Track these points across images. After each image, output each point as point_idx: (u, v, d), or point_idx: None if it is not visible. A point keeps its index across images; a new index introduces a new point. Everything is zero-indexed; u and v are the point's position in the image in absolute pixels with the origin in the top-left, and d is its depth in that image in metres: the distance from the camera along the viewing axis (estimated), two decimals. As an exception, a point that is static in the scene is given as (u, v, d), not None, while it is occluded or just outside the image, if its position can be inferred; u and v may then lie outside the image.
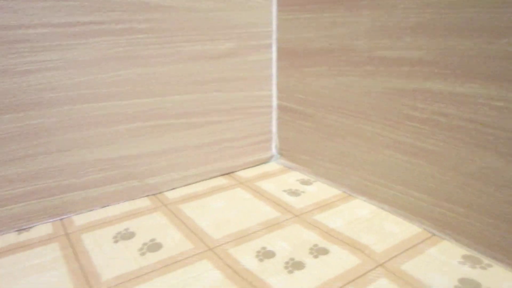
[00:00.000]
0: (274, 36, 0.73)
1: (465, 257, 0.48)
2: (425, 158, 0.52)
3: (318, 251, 0.49)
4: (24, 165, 0.53)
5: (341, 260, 0.47)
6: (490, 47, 0.43)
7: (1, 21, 0.48)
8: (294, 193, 0.66)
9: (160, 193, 0.66)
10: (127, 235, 0.53)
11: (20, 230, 0.55)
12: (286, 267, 0.46)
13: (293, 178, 0.73)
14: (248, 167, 0.77)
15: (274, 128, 0.79)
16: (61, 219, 0.58)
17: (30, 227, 0.56)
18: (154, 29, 0.59)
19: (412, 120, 0.53)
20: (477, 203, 0.47)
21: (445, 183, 0.50)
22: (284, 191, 0.67)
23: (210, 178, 0.72)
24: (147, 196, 0.65)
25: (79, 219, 0.58)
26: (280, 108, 0.77)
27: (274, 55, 0.74)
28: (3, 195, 0.53)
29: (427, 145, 0.52)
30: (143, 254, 0.49)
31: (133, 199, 0.64)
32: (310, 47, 0.67)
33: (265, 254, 0.49)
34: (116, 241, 0.52)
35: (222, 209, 0.60)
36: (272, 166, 0.79)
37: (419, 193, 0.54)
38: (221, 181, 0.71)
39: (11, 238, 0.53)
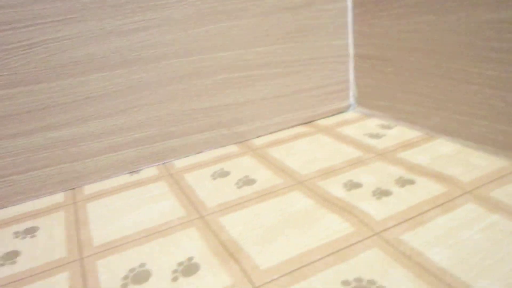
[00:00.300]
0: (349, -17, 0.73)
1: (561, 184, 0.47)
2: (516, 88, 0.51)
3: (404, 182, 0.51)
4: (131, 115, 0.61)
5: (427, 189, 0.49)
6: None
7: (107, -15, 0.55)
8: (376, 136, 0.68)
9: (246, 140, 0.71)
10: (223, 173, 0.59)
11: (131, 172, 0.63)
12: (374, 195, 0.49)
13: (373, 123, 0.74)
14: (326, 116, 0.80)
15: (351, 77, 0.80)
16: (164, 163, 0.65)
17: (139, 170, 0.64)
18: (235, -16, 0.63)
19: (498, 51, 0.51)
20: None
21: (539, 111, 0.49)
22: (365, 134, 0.68)
23: (291, 126, 0.76)
24: (235, 143, 0.71)
25: (179, 163, 0.65)
26: (357, 56, 0.77)
27: (349, 3, 0.75)
28: (116, 141, 0.61)
29: (518, 74, 0.50)
30: (239, 187, 0.54)
31: (223, 146, 0.70)
32: (388, -12, 0.66)
33: (353, 185, 0.52)
34: (214, 178, 0.58)
35: (306, 151, 0.64)
36: (350, 114, 0.80)
37: (506, 126, 0.53)
38: (302, 129, 0.75)
39: (125, 178, 0.62)
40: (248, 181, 0.56)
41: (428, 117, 0.65)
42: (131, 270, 0.40)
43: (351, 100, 0.82)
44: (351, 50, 0.78)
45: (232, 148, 0.69)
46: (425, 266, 0.35)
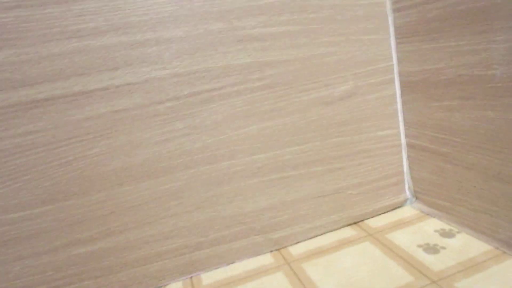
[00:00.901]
0: (396, 70, 0.67)
1: None
2: None
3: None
4: (157, 227, 0.59)
5: None
6: None
7: (137, 100, 0.55)
8: (433, 249, 0.57)
9: (283, 247, 0.65)
10: (250, 298, 0.53)
11: None
12: None
13: (431, 227, 0.64)
14: (379, 214, 0.71)
15: (405, 169, 0.71)
16: (191, 277, 0.61)
17: (165, 285, 0.60)
18: (268, 85, 0.60)
19: None
20: None
21: None
22: (420, 246, 0.59)
23: (337, 229, 0.68)
24: (271, 251, 0.65)
25: (207, 277, 0.60)
26: (410, 146, 0.69)
27: (397, 90, 0.68)
28: (142, 255, 0.59)
29: None
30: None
31: (257, 255, 0.64)
32: (436, 79, 0.58)
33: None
34: (239, 304, 0.52)
35: (348, 270, 0.56)
36: (407, 211, 0.71)
37: None
38: (349, 232, 0.67)
39: (152, 293, 0.58)
40: (274, 314, 0.49)
41: (498, 227, 0.54)
42: None
43: (407, 193, 0.72)
44: (403, 140, 0.70)
45: (267, 259, 0.63)
46: None
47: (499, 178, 0.52)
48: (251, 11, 0.57)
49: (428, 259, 0.55)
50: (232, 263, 0.63)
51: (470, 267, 0.52)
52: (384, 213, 0.71)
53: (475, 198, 0.57)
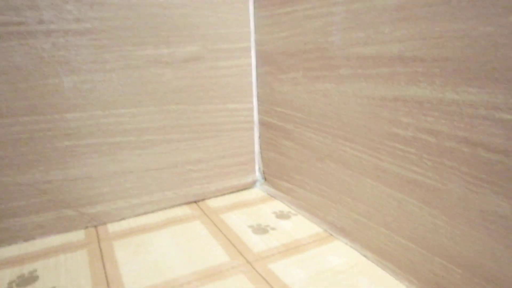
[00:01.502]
0: (252, 38, 0.61)
1: None
2: (412, 193, 0.37)
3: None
4: None
5: None
6: (492, 30, 0.28)
7: None
8: (262, 230, 0.52)
9: (102, 224, 0.56)
10: (30, 280, 0.43)
11: None
12: None
13: (270, 209, 0.59)
14: (224, 194, 0.65)
15: (256, 148, 0.66)
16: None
17: None
18: (90, 30, 0.50)
19: (395, 139, 0.38)
20: (478, 263, 0.31)
21: (436, 230, 0.35)
22: (250, 227, 0.53)
23: (170, 207, 0.60)
24: (86, 228, 0.55)
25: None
26: (262, 123, 0.64)
27: (253, 60, 0.62)
28: None
29: (413, 175, 0.36)
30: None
31: (66, 232, 0.53)
32: (286, 48, 0.54)
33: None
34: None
35: (160, 250, 0.48)
36: (254, 192, 0.66)
37: (406, 241, 0.39)
38: (183, 211, 0.59)
39: None
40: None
41: (328, 210, 0.50)
42: None
43: (257, 175, 0.67)
44: (256, 116, 0.65)
45: (77, 235, 0.53)
46: None
47: (332, 157, 0.48)
48: None
49: (252, 240, 0.50)
50: (31, 239, 0.52)
51: (292, 248, 0.47)
52: (230, 193, 0.65)
53: (311, 179, 0.53)
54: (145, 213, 0.58)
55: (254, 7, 0.60)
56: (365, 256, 0.45)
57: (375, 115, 0.40)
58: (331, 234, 0.50)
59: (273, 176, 0.63)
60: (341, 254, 0.45)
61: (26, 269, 0.45)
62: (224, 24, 0.59)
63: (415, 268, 0.38)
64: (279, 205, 0.60)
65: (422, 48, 0.33)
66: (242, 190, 0.67)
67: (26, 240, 0.51)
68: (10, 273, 0.44)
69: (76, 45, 0.49)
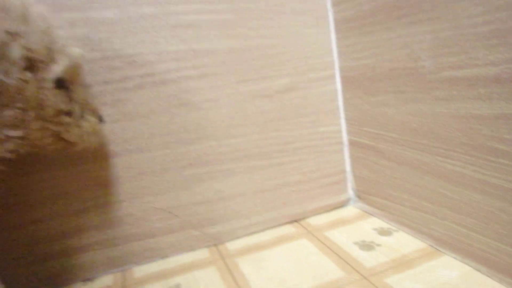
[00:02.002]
0: (337, 65, 0.67)
1: None
2: (525, 205, 0.39)
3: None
4: (86, 217, 0.55)
5: None
6: None
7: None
8: (368, 246, 0.56)
9: (221, 243, 0.63)
10: (175, 293, 0.50)
11: (84, 281, 0.56)
12: None
13: (370, 225, 0.63)
14: (321, 212, 0.70)
15: (348, 167, 0.70)
16: (122, 270, 0.58)
17: (93, 278, 0.57)
18: (204, 74, 0.58)
19: (499, 155, 0.40)
20: None
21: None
22: (356, 243, 0.57)
23: (276, 226, 0.66)
24: (208, 246, 0.62)
25: (139, 271, 0.57)
26: (352, 143, 0.68)
27: (339, 86, 0.67)
28: (69, 245, 0.55)
29: (525, 188, 0.39)
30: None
31: (193, 250, 0.61)
32: (373, 73, 0.58)
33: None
34: (162, 300, 0.49)
35: (280, 264, 0.54)
36: (350, 210, 0.70)
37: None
38: (288, 229, 0.65)
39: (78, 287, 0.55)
40: (195, 309, 0.47)
41: (431, 225, 0.53)
42: None
43: (350, 193, 0.71)
44: (345, 137, 0.69)
45: (202, 253, 0.60)
46: None
47: (431, 173, 0.51)
48: (185, -2, 0.56)
49: (362, 256, 0.54)
50: (166, 257, 0.60)
51: (402, 263, 0.51)
52: (327, 211, 0.70)
53: (410, 195, 0.56)
54: (256, 232, 0.65)
55: (336, 38, 0.65)
56: (478, 270, 0.47)
57: (475, 132, 0.43)
58: (438, 249, 0.53)
59: (367, 193, 0.67)
60: (453, 268, 0.48)
61: (171, 282, 0.52)
62: (311, 56, 0.65)
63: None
64: (377, 222, 0.64)
65: (525, 71, 0.36)
66: (337, 208, 0.71)
67: (162, 257, 0.60)
68: (160, 286, 0.52)
69: (195, 87, 0.58)
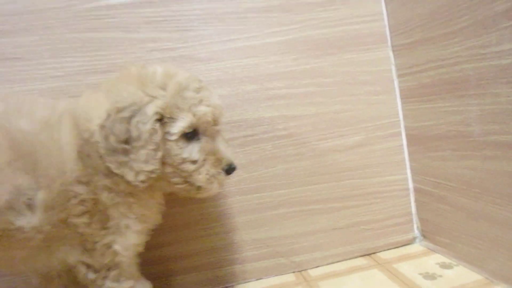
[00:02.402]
0: (402, 125, 0.80)
1: None
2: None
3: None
4: (199, 243, 0.73)
5: None
6: None
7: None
8: (431, 276, 0.67)
9: (304, 270, 0.77)
10: (271, 305, 0.65)
11: (197, 296, 0.73)
12: None
13: (434, 260, 0.73)
14: (390, 248, 0.81)
15: (413, 210, 0.81)
16: (226, 288, 0.74)
17: (203, 294, 0.73)
18: (291, 134, 0.75)
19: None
20: None
21: None
22: (420, 274, 0.68)
23: (351, 258, 0.79)
24: (293, 272, 0.76)
25: (238, 289, 0.73)
26: (417, 190, 0.80)
27: (404, 141, 0.80)
28: (188, 264, 0.73)
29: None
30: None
31: (281, 274, 0.76)
32: (432, 133, 0.71)
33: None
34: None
35: (354, 288, 0.66)
36: (416, 247, 0.80)
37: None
38: (361, 261, 0.77)
39: (192, 301, 0.72)
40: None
41: (487, 260, 0.63)
42: None
43: (416, 232, 0.82)
44: (410, 185, 0.81)
45: (289, 278, 0.74)
46: None
47: (484, 218, 0.62)
48: (278, 76, 0.74)
49: (425, 284, 0.64)
50: (260, 278, 0.75)
51: (459, 291, 0.61)
52: (395, 248, 0.81)
53: (468, 235, 0.66)
54: (333, 262, 0.78)
55: (402, 102, 0.79)
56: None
57: (518, 185, 0.54)
58: (492, 281, 0.62)
59: (431, 233, 0.77)
60: (503, 295, 0.57)
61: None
62: (379, 116, 0.79)
63: None
64: (440, 257, 0.73)
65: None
66: (404, 245, 0.82)
67: (257, 279, 0.75)
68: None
69: (284, 145, 0.75)
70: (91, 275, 0.56)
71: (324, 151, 0.77)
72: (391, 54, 0.79)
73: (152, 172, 0.52)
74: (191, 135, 0.54)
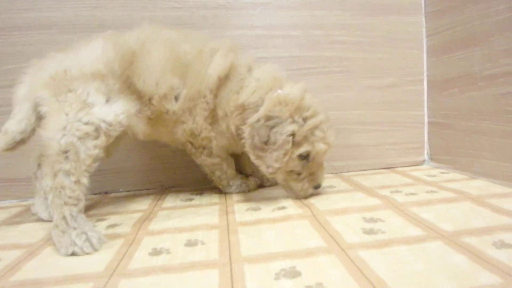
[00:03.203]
0: (425, 74, 1.07)
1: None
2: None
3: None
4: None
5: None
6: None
7: (269, 69, 0.99)
8: (433, 176, 0.95)
9: (340, 172, 1.05)
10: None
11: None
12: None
13: (436, 171, 1.01)
14: (405, 166, 1.09)
15: (425, 139, 1.09)
16: (286, 175, 1.03)
17: (270, 178, 1.02)
18: (343, 71, 1.03)
19: (509, 112, 0.78)
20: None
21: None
22: (426, 175, 0.96)
23: (376, 168, 1.07)
24: (332, 173, 1.05)
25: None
26: (430, 123, 1.07)
27: (425, 86, 1.07)
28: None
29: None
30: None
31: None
32: (446, 77, 0.98)
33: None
34: (315, 184, 0.93)
35: (380, 180, 0.95)
36: (425, 166, 1.08)
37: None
38: (384, 171, 1.05)
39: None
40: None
41: (473, 164, 0.91)
42: (264, 205, 0.76)
43: (426, 156, 1.10)
44: (426, 119, 1.08)
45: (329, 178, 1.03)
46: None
47: (476, 132, 0.89)
48: (339, 27, 1.01)
49: (429, 179, 0.92)
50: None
51: (449, 180, 0.88)
52: (409, 166, 1.09)
53: (462, 148, 0.94)
54: (362, 170, 1.06)
55: (427, 56, 1.06)
56: (500, 184, 0.83)
57: (499, 102, 0.81)
58: (473, 177, 0.90)
59: (436, 155, 1.05)
60: (476, 182, 0.85)
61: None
62: (409, 66, 1.06)
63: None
64: (441, 170, 1.01)
65: (521, 71, 0.74)
66: (416, 165, 1.10)
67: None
68: (312, 179, 0.96)
69: (339, 78, 1.02)
70: (193, 150, 0.84)
71: (367, 86, 1.04)
72: (423, 19, 1.06)
73: (278, 168, 0.71)
74: (305, 156, 0.74)
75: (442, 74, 1.00)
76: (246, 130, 0.72)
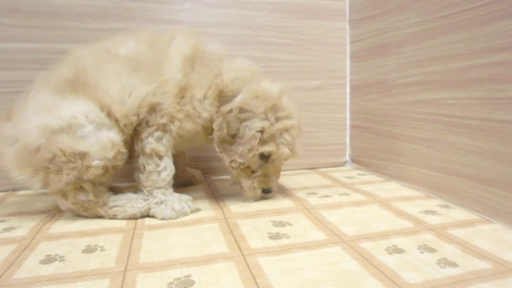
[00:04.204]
0: (348, 78, 1.11)
1: None
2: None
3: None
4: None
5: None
6: None
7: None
8: (351, 178, 0.99)
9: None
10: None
11: (188, 179, 1.00)
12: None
13: (355, 172, 1.05)
14: (328, 167, 1.12)
15: (347, 141, 1.13)
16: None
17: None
18: (270, 72, 1.03)
19: (416, 119, 0.83)
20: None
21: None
22: (345, 177, 1.00)
23: (301, 169, 1.10)
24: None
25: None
26: (352, 126, 1.11)
27: (348, 90, 1.11)
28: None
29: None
30: (249, 188, 0.89)
31: (249, 172, 1.05)
32: (366, 83, 1.02)
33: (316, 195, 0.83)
34: (237, 184, 0.93)
35: (300, 181, 0.97)
36: (346, 167, 1.12)
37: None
38: (307, 172, 1.08)
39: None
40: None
41: (387, 167, 0.96)
42: (179, 207, 0.75)
43: (347, 158, 1.14)
44: (348, 122, 1.12)
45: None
46: None
47: (389, 136, 0.94)
48: (267, 28, 1.02)
49: (347, 181, 0.96)
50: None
51: (366, 182, 0.93)
52: (332, 167, 1.13)
53: (378, 151, 0.99)
54: (287, 170, 1.08)
55: (350, 61, 1.10)
56: (418, 190, 0.88)
57: (420, 108, 0.85)
58: (387, 180, 0.95)
59: (357, 157, 1.09)
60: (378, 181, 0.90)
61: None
62: (334, 69, 1.09)
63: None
64: (360, 171, 1.06)
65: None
66: (338, 166, 1.14)
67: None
68: (234, 179, 0.96)
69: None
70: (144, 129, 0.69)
71: (293, 88, 1.06)
72: (347, 26, 1.09)
73: (241, 163, 0.71)
74: (266, 156, 0.72)
75: (363, 79, 1.04)
76: (217, 120, 0.70)
